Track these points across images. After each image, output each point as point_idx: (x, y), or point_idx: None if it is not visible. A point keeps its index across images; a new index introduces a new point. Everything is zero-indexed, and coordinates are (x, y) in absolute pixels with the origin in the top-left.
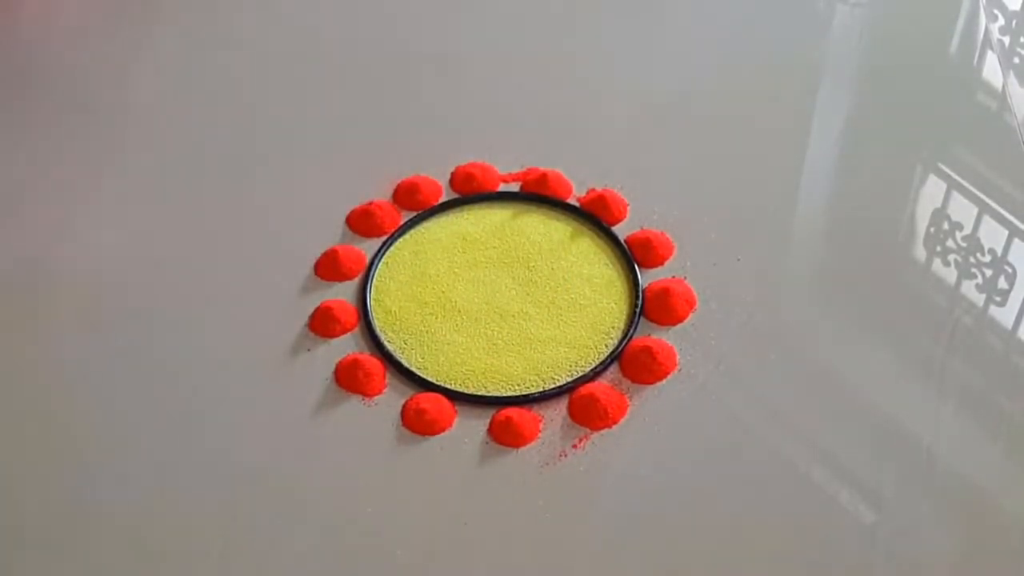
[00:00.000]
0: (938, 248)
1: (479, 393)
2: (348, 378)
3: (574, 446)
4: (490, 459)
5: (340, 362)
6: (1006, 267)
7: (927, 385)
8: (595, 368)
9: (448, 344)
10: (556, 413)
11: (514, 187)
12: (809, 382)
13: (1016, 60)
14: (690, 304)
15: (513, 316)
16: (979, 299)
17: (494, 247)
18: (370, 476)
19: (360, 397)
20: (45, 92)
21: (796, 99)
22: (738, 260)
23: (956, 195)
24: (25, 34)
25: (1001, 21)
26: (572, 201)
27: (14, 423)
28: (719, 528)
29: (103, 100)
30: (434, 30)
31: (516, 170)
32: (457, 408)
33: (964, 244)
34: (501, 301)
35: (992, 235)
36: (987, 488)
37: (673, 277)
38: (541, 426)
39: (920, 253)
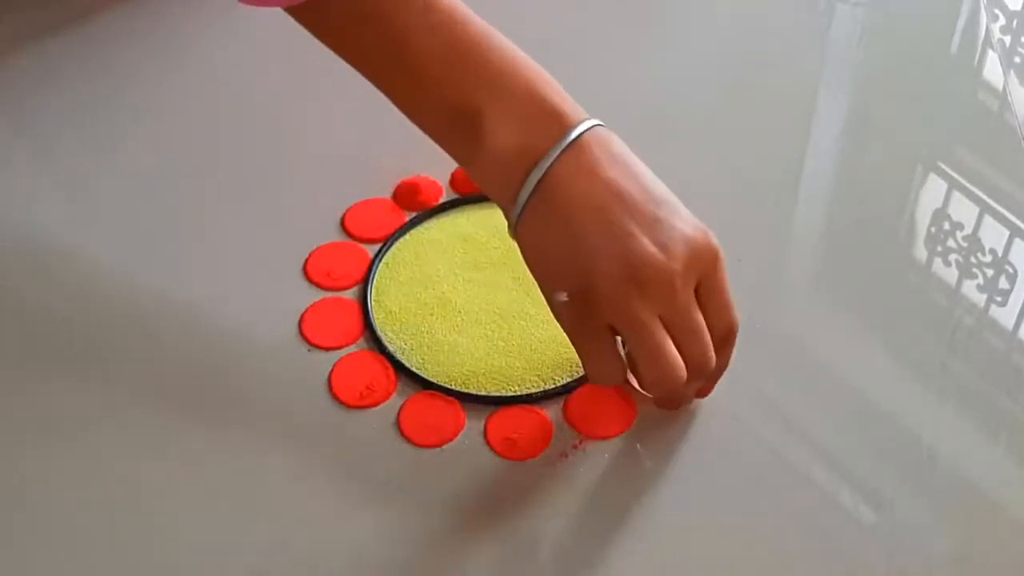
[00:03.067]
0: (939, 248)
1: (479, 393)
2: None
3: (575, 447)
4: (490, 460)
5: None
6: (1007, 267)
7: (927, 385)
8: None
9: (448, 344)
10: (557, 414)
11: None
12: (809, 382)
13: (1017, 60)
14: None
15: (513, 316)
16: (980, 299)
17: (494, 247)
18: (370, 476)
19: None
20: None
21: (796, 99)
22: (739, 260)
23: (957, 195)
24: None
25: (1002, 21)
26: None
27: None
28: (719, 528)
29: (101, 97)
30: None
31: None
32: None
33: (965, 244)
34: (501, 301)
35: (993, 235)
36: (987, 488)
37: None
38: None
39: (920, 253)
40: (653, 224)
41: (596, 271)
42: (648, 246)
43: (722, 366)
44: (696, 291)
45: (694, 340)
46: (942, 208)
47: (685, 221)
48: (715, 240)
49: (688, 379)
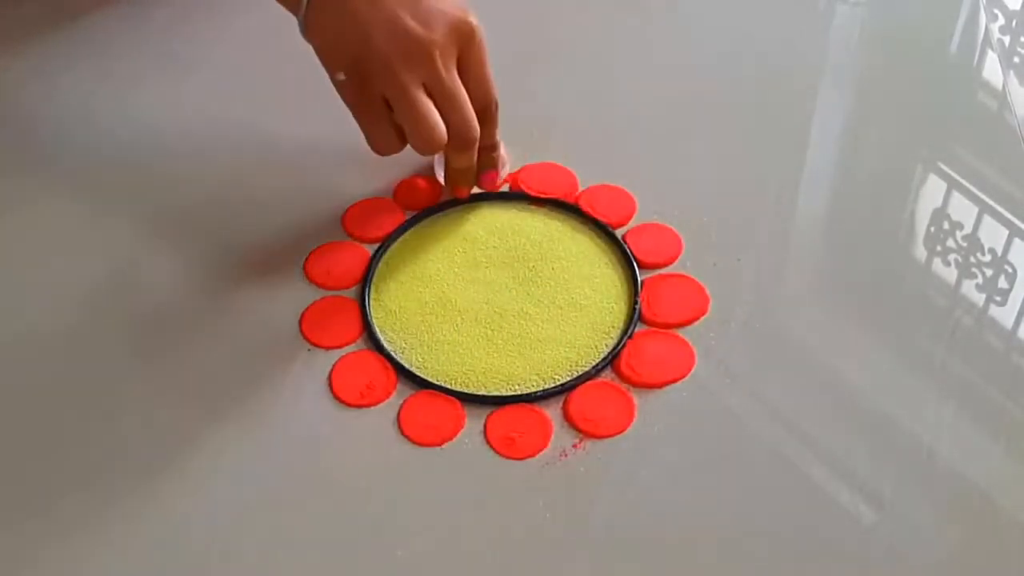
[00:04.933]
0: (938, 248)
1: (479, 392)
2: None
3: (575, 446)
4: (490, 459)
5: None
6: (1006, 267)
7: (927, 385)
8: (595, 367)
9: (448, 344)
10: (556, 413)
11: None
12: (809, 382)
13: (1016, 60)
14: None
15: (513, 316)
16: (979, 299)
17: (494, 247)
18: (369, 475)
19: None
20: None
21: (796, 99)
22: (738, 260)
23: (956, 195)
24: None
25: (1001, 21)
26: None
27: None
28: (719, 528)
29: (98, 97)
30: None
31: (516, 170)
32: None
33: (964, 244)
34: (501, 301)
35: (992, 235)
36: (987, 488)
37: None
38: None
39: (920, 253)
40: (417, 5)
41: (368, 49)
42: (410, 22)
43: (490, 145)
44: (457, 66)
45: (454, 106)
46: (942, 208)
47: (447, 3)
48: (474, 19)
49: (454, 145)
